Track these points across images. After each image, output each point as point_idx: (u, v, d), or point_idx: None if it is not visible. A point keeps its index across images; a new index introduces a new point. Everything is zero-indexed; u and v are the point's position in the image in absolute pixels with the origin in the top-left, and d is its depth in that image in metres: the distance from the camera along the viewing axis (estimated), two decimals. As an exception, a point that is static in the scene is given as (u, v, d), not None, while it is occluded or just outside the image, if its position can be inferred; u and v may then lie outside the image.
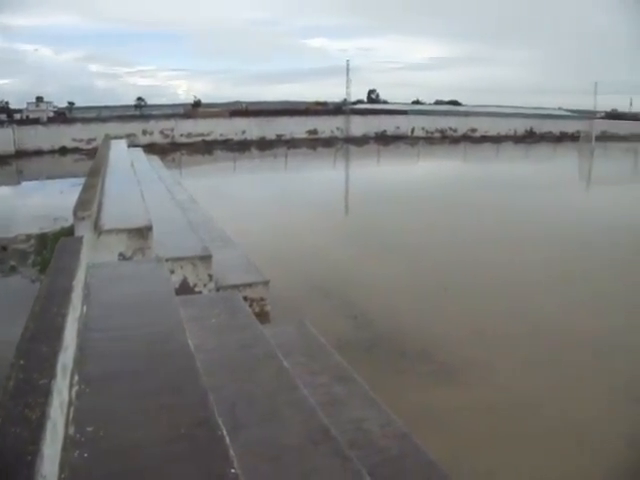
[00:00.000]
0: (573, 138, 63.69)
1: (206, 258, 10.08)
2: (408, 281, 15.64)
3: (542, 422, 8.98)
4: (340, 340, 11.51)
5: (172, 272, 9.59)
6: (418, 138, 59.80)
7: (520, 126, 68.45)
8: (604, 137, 61.54)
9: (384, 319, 12.81)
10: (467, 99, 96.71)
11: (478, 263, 17.48)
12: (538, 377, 10.61)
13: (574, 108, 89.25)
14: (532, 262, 17.74)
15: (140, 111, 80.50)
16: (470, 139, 62.55)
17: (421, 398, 9.57)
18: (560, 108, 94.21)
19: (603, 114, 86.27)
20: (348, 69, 70.41)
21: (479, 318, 13.22)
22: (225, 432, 3.24)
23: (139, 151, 29.86)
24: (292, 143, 51.75)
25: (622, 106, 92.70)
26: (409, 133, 60.95)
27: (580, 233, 21.75)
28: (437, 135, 62.63)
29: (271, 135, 53.17)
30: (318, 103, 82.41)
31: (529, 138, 66.14)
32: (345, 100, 72.29)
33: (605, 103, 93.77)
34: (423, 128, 62.28)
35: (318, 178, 35.64)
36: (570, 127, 69.17)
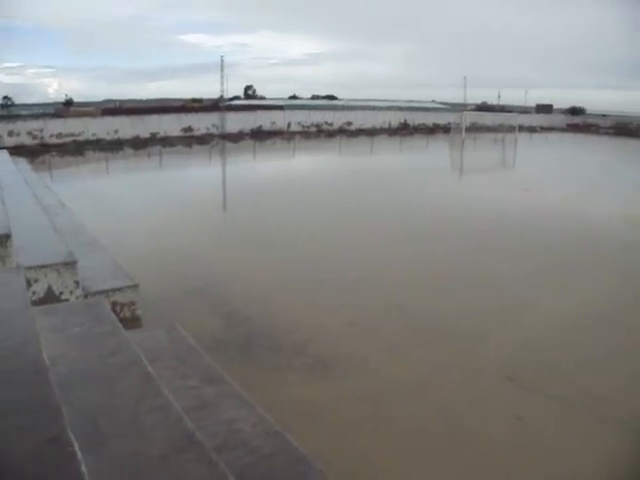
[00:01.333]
0: (445, 130, 66.08)
1: (71, 264, 9.73)
2: (283, 276, 15.69)
3: (417, 409, 9.29)
4: (214, 340, 11.47)
5: (36, 280, 9.24)
6: (294, 133, 60.19)
7: (394, 119, 70.30)
8: (474, 128, 64.27)
9: (259, 316, 12.78)
10: (343, 93, 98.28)
11: (351, 256, 17.87)
12: (412, 366, 10.96)
13: (447, 101, 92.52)
14: (405, 252, 18.36)
15: (7, 111, 76.55)
16: (346, 132, 63.62)
17: (297, 393, 9.62)
18: (433, 101, 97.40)
19: (474, 106, 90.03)
20: (222, 65, 69.91)
21: (353, 310, 13.53)
22: (77, 448, 3.17)
23: (4, 153, 28.51)
24: (167, 141, 50.77)
25: (491, 98, 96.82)
26: (285, 128, 61.21)
27: (448, 219, 22.89)
28: (313, 129, 63.27)
29: (145, 134, 51.90)
30: (194, 100, 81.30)
31: (403, 130, 68.03)
32: (221, 96, 71.69)
33: (476, 96, 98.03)
34: (299, 123, 62.73)
35: (194, 176, 35.21)
36: (442, 119, 71.82)
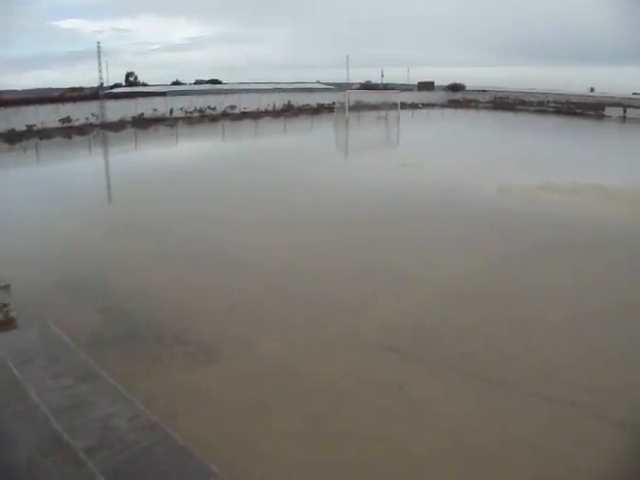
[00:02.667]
0: (330, 109, 66.45)
1: None
2: (163, 266, 15.43)
3: (301, 387, 9.44)
4: (93, 335, 11.19)
5: None
6: (177, 119, 59.09)
7: (279, 100, 70.19)
8: (358, 107, 65.12)
9: (139, 308, 12.49)
10: (228, 77, 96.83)
11: (231, 240, 17.82)
12: (295, 345, 11.02)
13: (332, 81, 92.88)
14: (287, 234, 18.47)
15: None
16: (230, 116, 63.02)
17: (181, 381, 9.54)
18: (318, 82, 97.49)
19: (358, 85, 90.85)
20: (99, 51, 67.22)
21: (233, 294, 13.51)
22: None
23: None
24: (44, 133, 48.64)
25: (375, 77, 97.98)
26: (168, 114, 59.98)
27: (332, 198, 23.17)
28: (196, 115, 62.31)
29: (21, 126, 49.45)
30: (74, 89, 78.18)
31: (287, 112, 68.04)
32: (101, 85, 69.36)
33: (360, 75, 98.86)
34: (182, 108, 61.58)
35: (74, 169, 33.94)
36: (327, 99, 72.17)
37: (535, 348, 11.13)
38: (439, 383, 9.77)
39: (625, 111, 69.19)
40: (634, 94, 78.70)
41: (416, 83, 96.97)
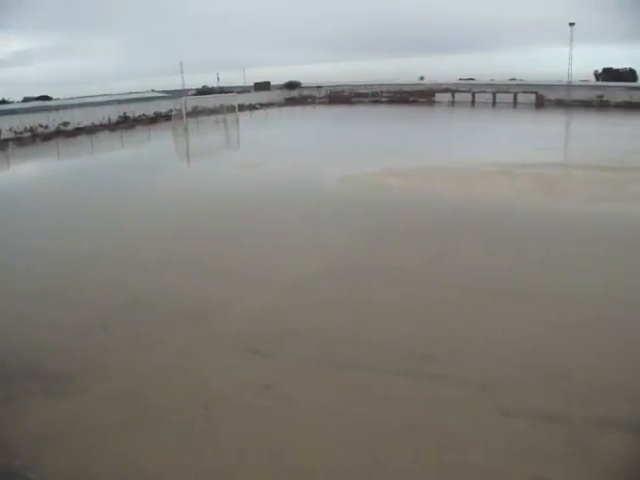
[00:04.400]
0: (167, 117, 65.11)
1: None
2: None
3: (168, 402, 9.10)
4: None
5: None
6: (7, 140, 55.68)
7: (114, 113, 67.82)
8: (195, 112, 64.30)
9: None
10: (58, 92, 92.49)
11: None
12: (155, 359, 10.60)
13: (167, 89, 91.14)
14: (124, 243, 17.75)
15: None
16: (63, 133, 60.17)
17: (39, 418, 8.87)
18: (153, 90, 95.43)
19: (194, 91, 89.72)
20: None
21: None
22: None
23: None
24: None
25: (211, 81, 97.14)
26: (-5, 136, 56.51)
27: (176, 208, 22.52)
28: (27, 134, 59.03)
29: None
30: None
31: (124, 123, 65.96)
32: None
33: (196, 81, 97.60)
34: (11, 129, 58.12)
35: None
36: (163, 107, 70.63)
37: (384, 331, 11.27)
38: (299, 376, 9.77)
39: (453, 96, 72.99)
40: (460, 80, 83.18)
41: (252, 84, 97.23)
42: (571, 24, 74.38)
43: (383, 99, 78.74)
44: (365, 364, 10.09)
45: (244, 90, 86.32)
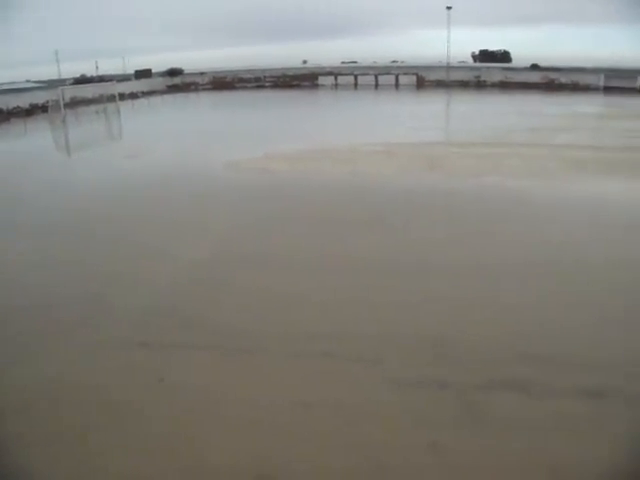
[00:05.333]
0: (44, 109, 62.45)
1: None
2: None
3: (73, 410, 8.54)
4: None
5: None
6: None
7: (-16, 106, 64.55)
8: (74, 103, 61.94)
9: None
10: None
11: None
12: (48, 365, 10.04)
13: (43, 79, 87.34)
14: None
15: None
16: None
17: None
18: (28, 80, 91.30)
19: (72, 81, 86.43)
20: None
21: None
22: None
23: None
24: None
25: (90, 70, 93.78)
26: None
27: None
28: None
29: None
30: None
31: (-4, 117, 62.87)
32: None
33: (74, 70, 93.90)
34: None
35: None
36: (40, 98, 67.65)
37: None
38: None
39: (336, 79, 73.71)
40: (343, 63, 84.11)
41: (133, 72, 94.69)
42: (448, 8, 76.68)
43: (267, 84, 78.61)
44: (260, 348, 10.04)
45: (125, 78, 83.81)
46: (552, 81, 76.97)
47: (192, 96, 73.68)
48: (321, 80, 74.61)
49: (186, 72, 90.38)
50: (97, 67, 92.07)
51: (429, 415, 8.11)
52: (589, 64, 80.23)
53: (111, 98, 61.99)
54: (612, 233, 16.09)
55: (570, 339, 10.22)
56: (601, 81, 77.51)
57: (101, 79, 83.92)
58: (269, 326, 10.80)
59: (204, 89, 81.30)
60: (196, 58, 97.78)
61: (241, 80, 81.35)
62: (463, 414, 8.13)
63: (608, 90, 74.02)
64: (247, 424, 8.00)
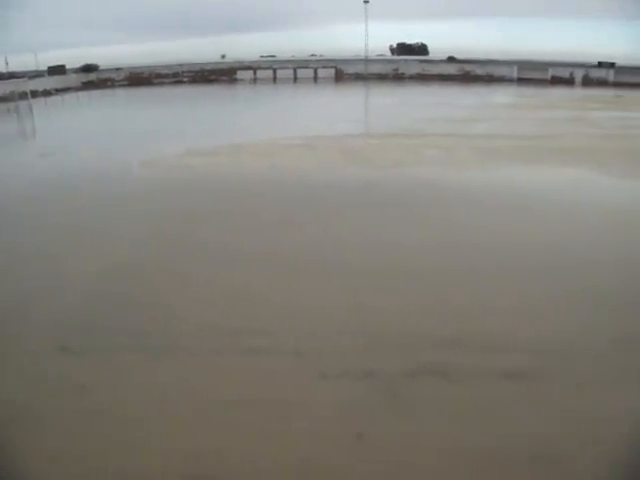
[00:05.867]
0: None
1: None
2: None
3: None
4: None
5: None
6: None
7: None
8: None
9: None
10: None
11: None
12: None
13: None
14: None
15: None
16: None
17: None
18: None
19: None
20: None
21: None
22: None
23: None
24: None
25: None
26: None
27: None
28: None
29: None
30: None
31: None
32: None
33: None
34: None
35: None
36: (-55, 97, 64.94)
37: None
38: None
39: (255, 73, 73.41)
40: (261, 57, 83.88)
41: (46, 68, 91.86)
42: (366, 1, 77.52)
43: (185, 79, 77.53)
44: (182, 347, 9.85)
45: (37, 75, 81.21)
46: (468, 73, 78.90)
47: (108, 93, 71.96)
48: (240, 74, 74.16)
49: (102, 68, 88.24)
50: (7, 63, 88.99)
51: (355, 406, 8.13)
52: (503, 56, 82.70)
53: (23, 95, 59.88)
54: (525, 217, 16.73)
55: (486, 322, 10.49)
56: (515, 73, 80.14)
57: (12, 76, 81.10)
58: (199, 324, 10.59)
59: (120, 85, 79.50)
60: (114, 53, 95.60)
61: (159, 76, 79.92)
62: (390, 402, 8.20)
63: (522, 81, 76.51)
64: (173, 425, 7.84)
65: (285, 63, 78.43)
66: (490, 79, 77.57)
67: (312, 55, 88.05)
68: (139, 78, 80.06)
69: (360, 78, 72.70)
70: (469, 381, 8.67)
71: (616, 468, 6.95)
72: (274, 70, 75.32)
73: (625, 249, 14.32)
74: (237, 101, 54.68)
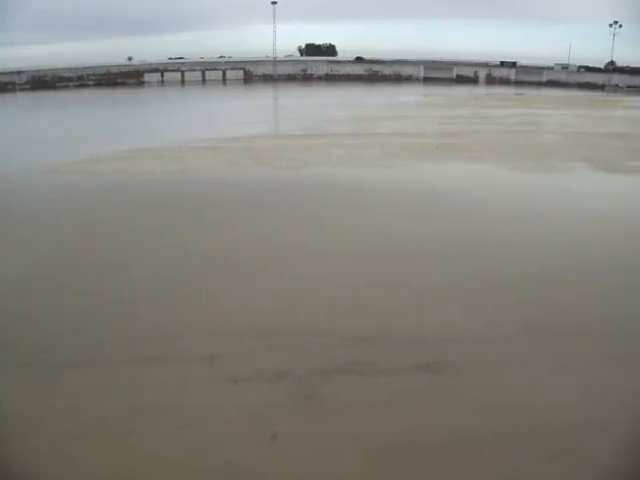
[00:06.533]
0: None
1: None
2: None
3: None
4: None
5: None
6: None
7: None
8: None
9: None
10: None
11: None
12: None
13: None
14: None
15: None
16: None
17: None
18: None
19: None
20: None
21: None
22: None
23: None
24: None
25: None
26: None
27: None
28: None
29: None
30: None
31: None
32: None
33: None
34: None
35: None
36: None
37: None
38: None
39: (163, 75, 72.39)
40: (170, 59, 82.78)
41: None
42: (273, 3, 77.75)
43: (90, 82, 75.53)
44: (88, 360, 9.63)
45: None
46: (376, 73, 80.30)
47: (9, 97, 69.16)
48: (147, 77, 72.92)
49: (2, 71, 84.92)
50: None
51: (268, 407, 8.21)
52: (410, 57, 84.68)
53: None
54: (431, 213, 17.39)
55: (396, 318, 10.78)
56: (421, 72, 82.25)
57: None
58: (104, 333, 10.41)
59: (22, 89, 76.57)
60: (11, 56, 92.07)
61: (62, 79, 77.46)
62: (301, 401, 8.35)
63: (428, 80, 78.50)
64: (87, 438, 7.70)
65: (193, 65, 77.64)
66: (397, 79, 79.26)
67: (221, 57, 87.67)
68: (41, 82, 77.38)
69: (269, 79, 72.90)
70: (382, 377, 8.88)
71: (528, 456, 7.28)
72: (182, 72, 74.43)
73: (529, 239, 15.22)
74: (144, 105, 53.68)
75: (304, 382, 8.74)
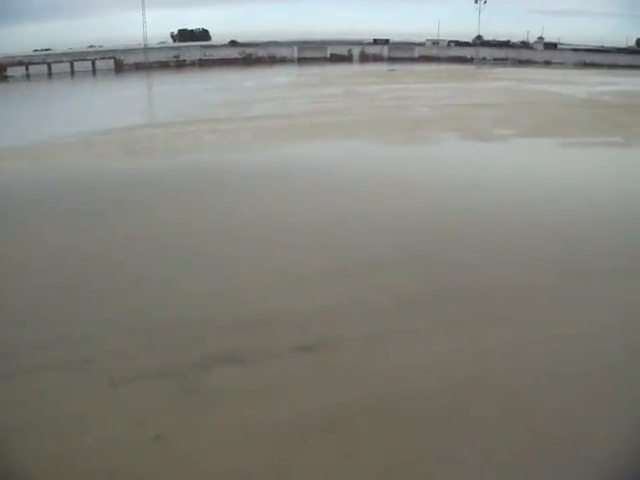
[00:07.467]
0: None
1: None
2: None
3: None
4: None
5: None
6: None
7: None
8: None
9: None
10: None
11: None
12: None
13: None
14: None
15: None
16: None
17: None
18: None
19: None
20: None
21: None
22: None
23: None
24: None
25: None
26: None
27: None
28: None
29: None
30: None
31: None
32: None
33: None
34: None
35: None
36: None
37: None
38: None
39: (28, 69, 69.29)
40: (35, 51, 79.38)
41: None
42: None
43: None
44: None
45: None
46: (250, 56, 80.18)
47: None
48: (11, 71, 69.44)
49: None
50: None
51: (152, 409, 8.05)
52: (284, 38, 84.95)
53: None
54: (306, 189, 17.92)
55: (274, 299, 10.90)
56: (295, 53, 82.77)
57: None
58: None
59: None
60: None
61: None
62: (186, 397, 8.23)
63: (302, 61, 79.13)
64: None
65: (61, 56, 74.72)
66: (272, 60, 79.45)
67: (90, 46, 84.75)
68: None
69: (141, 67, 71.22)
70: (265, 362, 8.92)
71: (405, 425, 7.55)
72: (49, 65, 71.40)
73: (400, 209, 15.89)
74: (7, 101, 51.10)
75: (186, 378, 8.60)
